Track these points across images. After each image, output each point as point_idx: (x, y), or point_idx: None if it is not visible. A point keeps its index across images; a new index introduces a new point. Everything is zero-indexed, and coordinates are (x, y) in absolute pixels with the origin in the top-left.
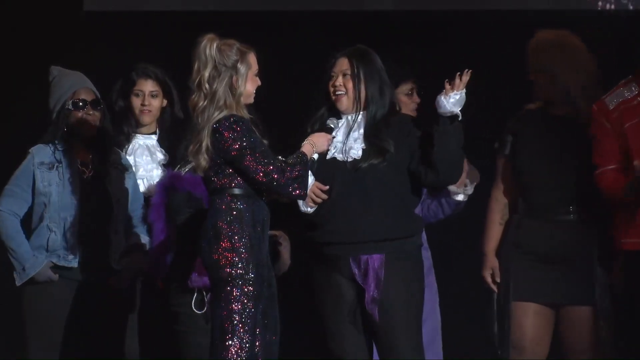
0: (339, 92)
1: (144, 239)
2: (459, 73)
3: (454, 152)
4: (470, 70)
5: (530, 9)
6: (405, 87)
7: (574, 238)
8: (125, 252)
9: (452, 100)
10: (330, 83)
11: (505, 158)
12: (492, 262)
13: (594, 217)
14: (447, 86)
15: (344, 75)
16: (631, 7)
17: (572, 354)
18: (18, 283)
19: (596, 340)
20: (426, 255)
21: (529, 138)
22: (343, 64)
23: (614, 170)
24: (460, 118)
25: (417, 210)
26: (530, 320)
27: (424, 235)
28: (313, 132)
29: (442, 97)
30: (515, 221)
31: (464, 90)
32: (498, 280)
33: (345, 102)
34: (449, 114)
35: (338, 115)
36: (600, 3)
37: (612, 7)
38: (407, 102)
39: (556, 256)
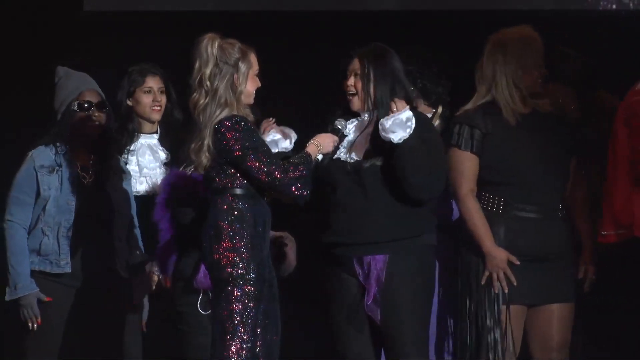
0: (350, 92)
1: (140, 249)
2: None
3: (413, 172)
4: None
5: (533, 9)
6: None
7: (555, 236)
8: (131, 269)
9: (386, 125)
10: (344, 84)
11: (473, 154)
12: (505, 251)
13: (568, 214)
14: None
15: (355, 75)
16: (632, 7)
17: (546, 351)
18: (7, 298)
19: (568, 338)
20: None
21: (503, 136)
22: (355, 63)
23: None
24: (398, 140)
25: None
26: (518, 322)
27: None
28: (332, 131)
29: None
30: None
31: (402, 113)
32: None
33: (356, 103)
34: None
35: (353, 114)
36: (601, 3)
37: (613, 7)
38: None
39: (538, 255)
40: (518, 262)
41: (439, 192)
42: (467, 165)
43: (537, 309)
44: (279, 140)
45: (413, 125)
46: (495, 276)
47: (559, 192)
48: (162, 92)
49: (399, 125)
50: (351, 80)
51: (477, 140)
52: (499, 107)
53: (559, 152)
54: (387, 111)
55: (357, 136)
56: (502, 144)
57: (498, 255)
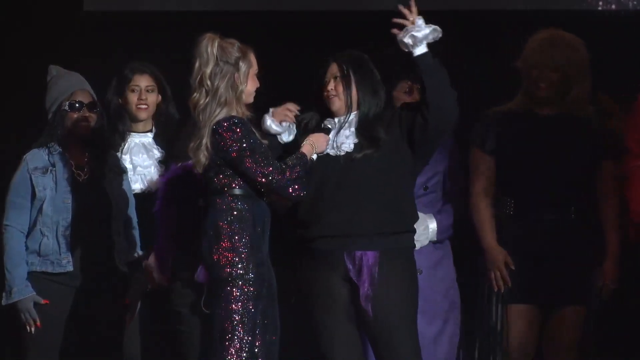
0: (331, 95)
1: (138, 248)
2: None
3: (442, 84)
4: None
5: (534, 9)
6: (403, 85)
7: (569, 238)
8: (129, 267)
9: (409, 36)
10: (324, 88)
11: (487, 153)
12: (503, 252)
13: (587, 217)
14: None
15: (335, 78)
16: (632, 7)
17: (556, 353)
18: (3, 303)
19: (582, 340)
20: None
21: (520, 137)
22: (333, 68)
23: None
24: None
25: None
26: (525, 322)
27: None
28: (323, 130)
29: (401, 35)
30: (496, 221)
31: (424, 25)
32: (512, 267)
33: (337, 104)
34: (417, 53)
35: (330, 117)
36: (601, 3)
37: (613, 7)
38: (406, 99)
39: (552, 256)
40: (513, 267)
41: (452, 113)
42: (480, 163)
43: (551, 311)
44: (280, 131)
45: (434, 34)
46: (491, 275)
47: (575, 195)
48: (149, 91)
49: (421, 39)
50: (331, 84)
51: (492, 140)
52: (528, 107)
53: (580, 156)
54: (371, 107)
55: (338, 133)
56: (516, 145)
57: (495, 254)
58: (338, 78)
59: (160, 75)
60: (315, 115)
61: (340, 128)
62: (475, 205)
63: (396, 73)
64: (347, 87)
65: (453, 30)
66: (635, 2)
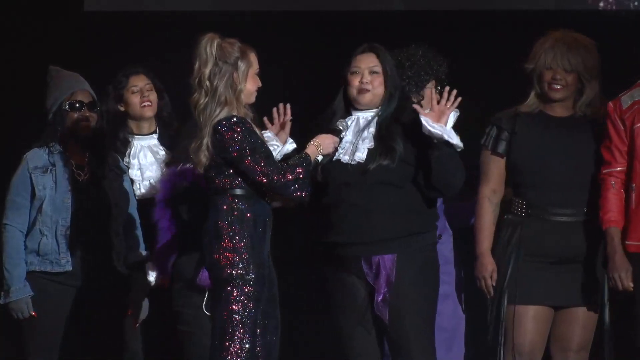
0: (365, 88)
1: (142, 248)
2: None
3: (452, 174)
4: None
5: (534, 9)
6: (434, 83)
7: (581, 239)
8: (131, 267)
9: (438, 128)
10: (356, 79)
11: (499, 155)
12: (492, 263)
13: (598, 218)
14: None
15: (372, 72)
16: (632, 7)
17: (561, 352)
18: (2, 302)
19: (589, 341)
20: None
21: (533, 138)
22: (370, 60)
23: (621, 173)
24: (458, 145)
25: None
26: (536, 323)
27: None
28: (333, 131)
29: (425, 122)
30: (508, 222)
31: (453, 114)
32: (494, 283)
33: (368, 98)
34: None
35: (348, 112)
36: (601, 3)
37: (614, 7)
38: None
39: (563, 257)
40: (494, 283)
41: (453, 194)
42: (490, 166)
43: (561, 311)
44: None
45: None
46: (477, 283)
47: (587, 196)
48: (149, 90)
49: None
50: (367, 77)
51: (503, 142)
52: (539, 109)
53: (594, 157)
54: (391, 105)
55: (358, 135)
56: (528, 146)
57: (485, 263)
58: (376, 72)
59: (154, 76)
60: (340, 108)
61: (360, 129)
62: (480, 208)
63: (427, 70)
64: (384, 84)
65: (455, 31)
66: (635, 3)
